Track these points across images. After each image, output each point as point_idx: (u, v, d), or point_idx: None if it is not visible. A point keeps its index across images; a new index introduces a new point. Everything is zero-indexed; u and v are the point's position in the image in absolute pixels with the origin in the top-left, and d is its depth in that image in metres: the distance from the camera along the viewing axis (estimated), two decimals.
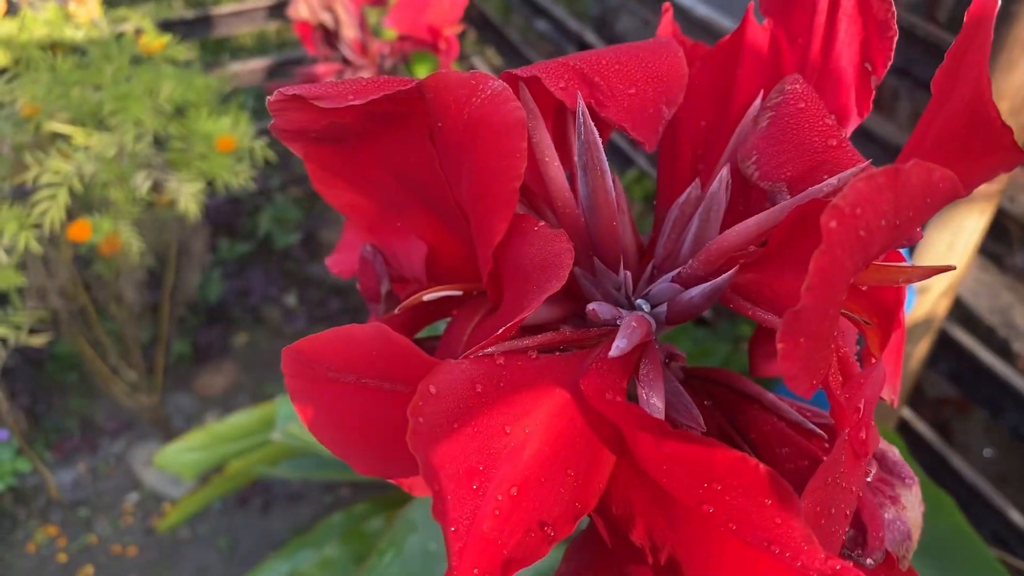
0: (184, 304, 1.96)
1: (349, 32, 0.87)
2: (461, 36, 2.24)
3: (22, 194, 1.50)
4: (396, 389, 0.26)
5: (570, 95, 0.31)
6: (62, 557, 1.81)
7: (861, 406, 0.26)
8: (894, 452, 0.32)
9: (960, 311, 1.43)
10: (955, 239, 1.07)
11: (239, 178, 1.55)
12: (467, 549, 0.22)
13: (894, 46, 0.31)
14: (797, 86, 0.30)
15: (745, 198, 0.32)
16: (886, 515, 0.31)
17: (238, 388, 2.14)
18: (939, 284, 1.11)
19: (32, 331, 1.72)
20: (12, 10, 1.66)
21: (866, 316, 0.27)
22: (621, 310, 0.30)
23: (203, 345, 2.18)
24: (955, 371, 1.22)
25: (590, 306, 0.27)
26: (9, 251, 1.45)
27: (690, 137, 0.35)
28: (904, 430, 1.33)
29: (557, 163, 0.31)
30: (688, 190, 0.33)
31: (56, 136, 1.50)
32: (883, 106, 1.66)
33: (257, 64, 2.05)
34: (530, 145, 0.31)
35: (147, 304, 1.85)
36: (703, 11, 1.41)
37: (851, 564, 0.31)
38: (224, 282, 2.27)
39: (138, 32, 1.65)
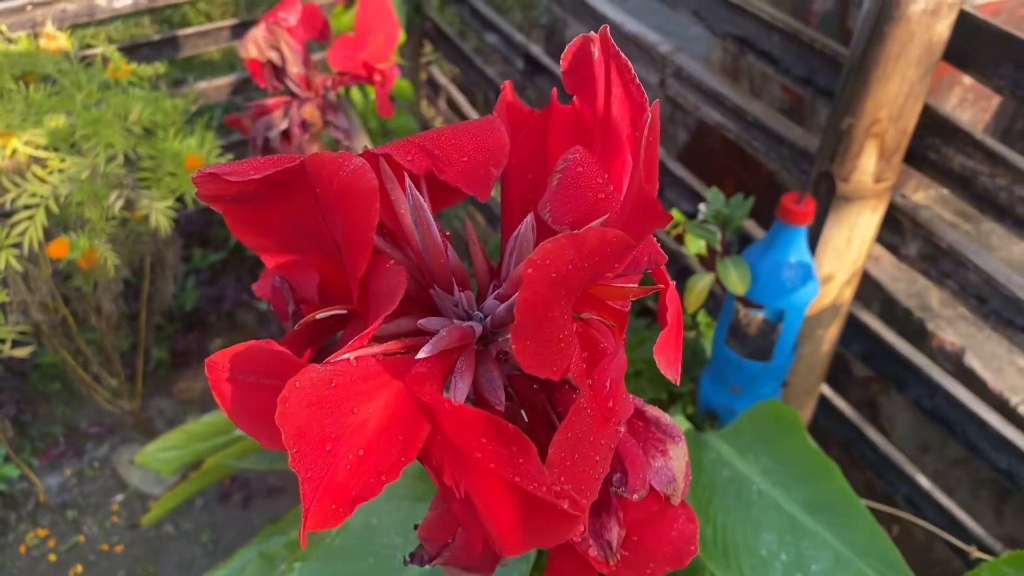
0: (160, 313, 2.06)
1: (294, 68, 0.98)
2: (419, 48, 2.34)
3: (0, 215, 1.60)
4: (283, 384, 0.37)
5: (415, 165, 0.42)
6: (52, 557, 1.92)
7: (607, 383, 0.37)
8: (665, 417, 0.43)
9: (881, 295, 1.55)
10: (852, 234, 1.19)
11: None
12: (323, 491, 0.33)
13: (647, 120, 0.42)
14: (578, 155, 0.42)
15: (550, 234, 0.43)
16: (655, 463, 0.42)
17: None
18: (841, 274, 1.23)
19: (15, 344, 1.82)
20: None
21: (610, 320, 0.39)
22: (456, 322, 0.41)
23: (180, 351, 2.28)
24: (866, 351, 1.34)
25: (420, 321, 0.38)
26: None
27: (519, 186, 0.46)
28: (824, 406, 1.45)
29: (409, 215, 0.42)
30: (519, 227, 0.44)
31: (32, 160, 1.60)
32: (794, 115, 1.78)
33: (223, 81, 2.15)
34: (390, 203, 0.42)
35: (125, 314, 1.95)
36: (632, 27, 1.52)
37: (618, 502, 0.42)
38: (198, 290, 2.37)
39: (105, 60, 1.74)
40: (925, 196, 1.64)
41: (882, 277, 1.48)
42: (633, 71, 0.42)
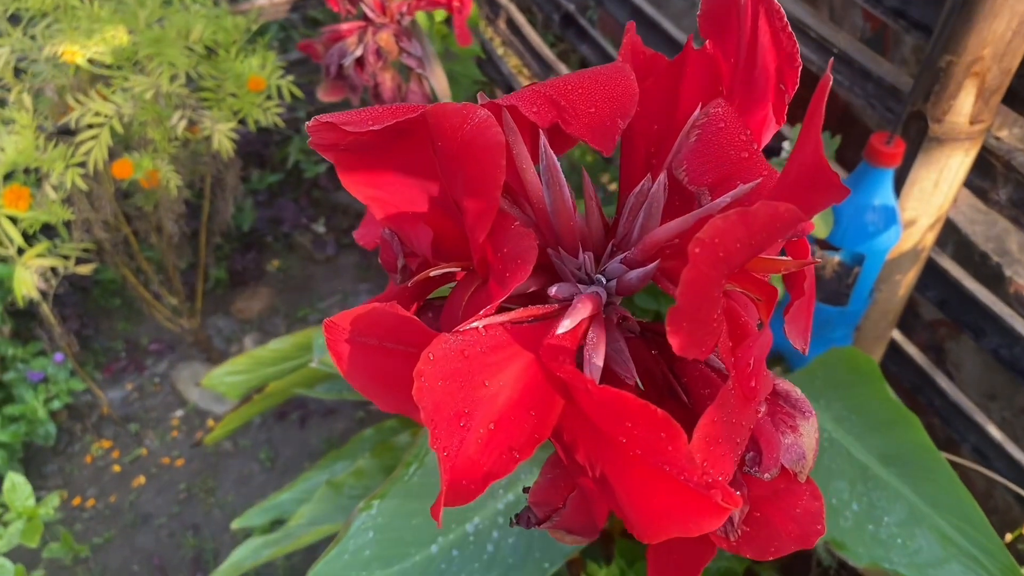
0: (220, 233, 2.06)
1: None
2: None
3: (66, 134, 1.59)
4: (407, 350, 0.35)
5: (541, 117, 0.39)
6: (116, 468, 1.97)
7: (751, 362, 0.35)
8: (797, 391, 0.41)
9: (956, 237, 1.49)
10: (940, 177, 1.14)
11: (268, 115, 1.63)
12: (456, 467, 0.32)
13: (799, 73, 0.39)
14: (719, 109, 0.39)
15: (681, 195, 0.40)
16: (785, 440, 0.40)
17: (273, 311, 2.26)
18: (925, 219, 1.18)
19: (78, 261, 1.84)
20: None
21: (756, 294, 0.36)
22: (582, 286, 0.39)
23: (239, 271, 2.30)
24: (942, 297, 1.30)
25: (551, 289, 0.36)
26: (57, 188, 1.55)
27: (644, 139, 0.44)
28: (891, 350, 1.42)
29: (533, 171, 0.40)
30: (641, 183, 0.41)
31: (96, 78, 1.59)
32: (875, 46, 1.70)
33: None
34: (512, 157, 0.40)
35: (185, 234, 1.96)
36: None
37: (742, 477, 0.40)
38: (256, 211, 2.38)
39: None
40: (1010, 135, 1.57)
41: (959, 219, 1.42)
42: (785, 17, 0.38)
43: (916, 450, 0.97)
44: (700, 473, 0.30)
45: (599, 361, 0.35)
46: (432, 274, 0.41)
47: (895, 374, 1.46)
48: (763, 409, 0.36)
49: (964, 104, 1.06)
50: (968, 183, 1.21)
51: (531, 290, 0.41)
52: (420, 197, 0.42)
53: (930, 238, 1.22)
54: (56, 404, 1.94)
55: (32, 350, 1.98)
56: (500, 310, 0.36)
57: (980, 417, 1.34)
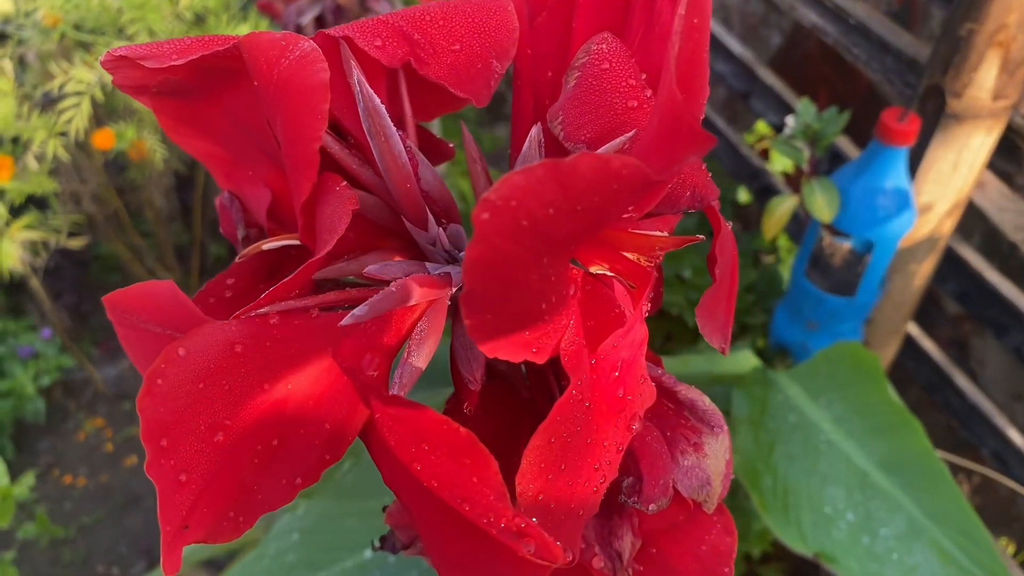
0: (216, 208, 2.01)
1: None
2: None
3: (48, 102, 1.54)
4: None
5: (387, 53, 0.31)
6: (109, 447, 1.93)
7: (618, 365, 0.27)
8: (704, 401, 0.33)
9: (983, 226, 1.39)
10: (960, 158, 1.04)
11: None
12: (213, 494, 0.25)
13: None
14: (604, 46, 0.31)
15: (563, 153, 0.33)
16: (684, 461, 0.32)
17: None
18: (943, 204, 1.09)
19: (71, 234, 1.80)
20: None
21: (630, 280, 0.28)
22: (431, 266, 0.31)
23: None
24: (962, 290, 1.20)
25: (368, 268, 0.29)
26: (39, 158, 1.50)
27: (535, 87, 0.36)
28: (908, 345, 1.32)
29: (383, 123, 0.32)
30: (527, 142, 0.34)
31: (79, 45, 1.53)
32: (902, 20, 1.59)
33: None
34: (354, 103, 0.32)
35: (178, 208, 1.90)
36: None
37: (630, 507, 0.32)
38: None
39: None
40: None
41: (986, 206, 1.32)
42: None
43: (919, 457, 0.88)
44: (511, 516, 0.23)
45: (419, 361, 0.27)
46: (264, 247, 0.34)
47: (910, 371, 1.36)
48: (637, 426, 0.28)
49: (986, 77, 0.96)
50: (992, 166, 1.11)
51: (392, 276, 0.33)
52: (253, 152, 0.35)
53: (948, 225, 1.13)
54: (46, 380, 1.90)
55: (24, 325, 1.95)
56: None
57: (1000, 420, 1.24)
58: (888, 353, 1.31)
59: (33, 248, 1.69)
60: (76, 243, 1.72)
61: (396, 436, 0.24)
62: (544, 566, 0.22)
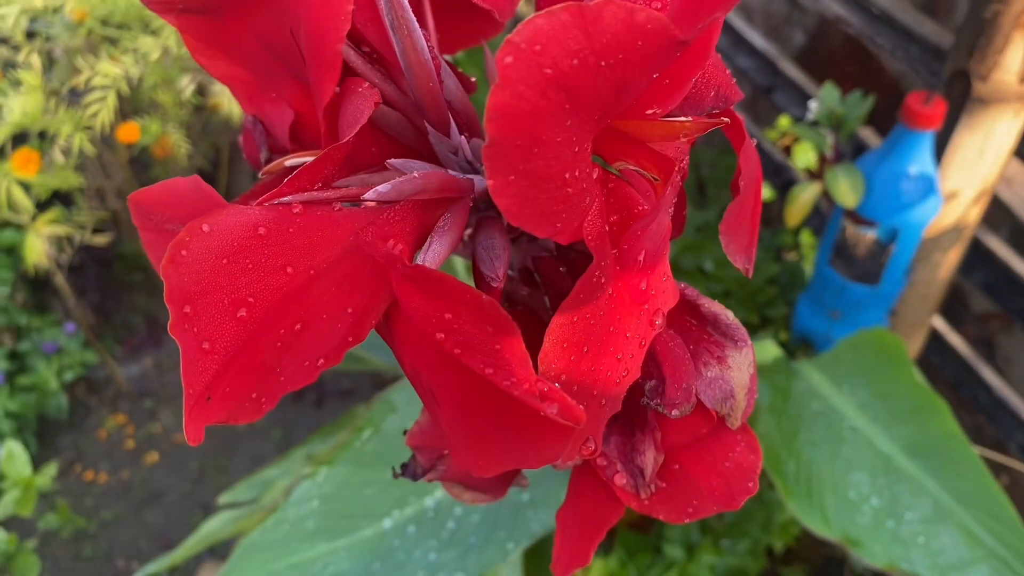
0: None
1: None
2: None
3: (75, 97, 1.56)
4: None
5: None
6: (130, 444, 1.94)
7: (641, 256, 0.27)
8: (728, 315, 0.32)
9: (1011, 221, 1.38)
10: (986, 143, 1.03)
11: None
12: (235, 372, 0.25)
13: None
14: None
15: None
16: (707, 373, 0.32)
17: None
18: (969, 191, 1.07)
19: (96, 231, 1.81)
20: None
21: (654, 172, 0.28)
22: (455, 173, 0.31)
23: None
24: (989, 281, 1.18)
25: (390, 160, 0.29)
26: (66, 152, 1.52)
27: None
28: (934, 340, 1.31)
29: (411, 27, 0.32)
30: None
31: (106, 40, 1.55)
32: (927, 10, 1.58)
33: None
34: (376, 8, 0.32)
35: None
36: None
37: (655, 418, 0.32)
38: None
39: None
40: None
41: (1014, 201, 1.30)
42: None
43: (944, 439, 0.87)
44: (534, 380, 0.22)
45: (441, 247, 0.27)
46: (286, 163, 0.34)
47: (937, 366, 1.35)
48: (660, 322, 0.28)
49: (1012, 60, 0.96)
50: (1021, 153, 1.10)
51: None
52: (280, 70, 0.35)
53: (975, 213, 1.11)
54: (69, 376, 1.91)
55: (49, 321, 1.96)
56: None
57: None
58: (914, 346, 1.30)
59: (58, 244, 1.70)
60: (101, 239, 1.73)
61: (418, 308, 0.23)
62: (567, 427, 0.22)
